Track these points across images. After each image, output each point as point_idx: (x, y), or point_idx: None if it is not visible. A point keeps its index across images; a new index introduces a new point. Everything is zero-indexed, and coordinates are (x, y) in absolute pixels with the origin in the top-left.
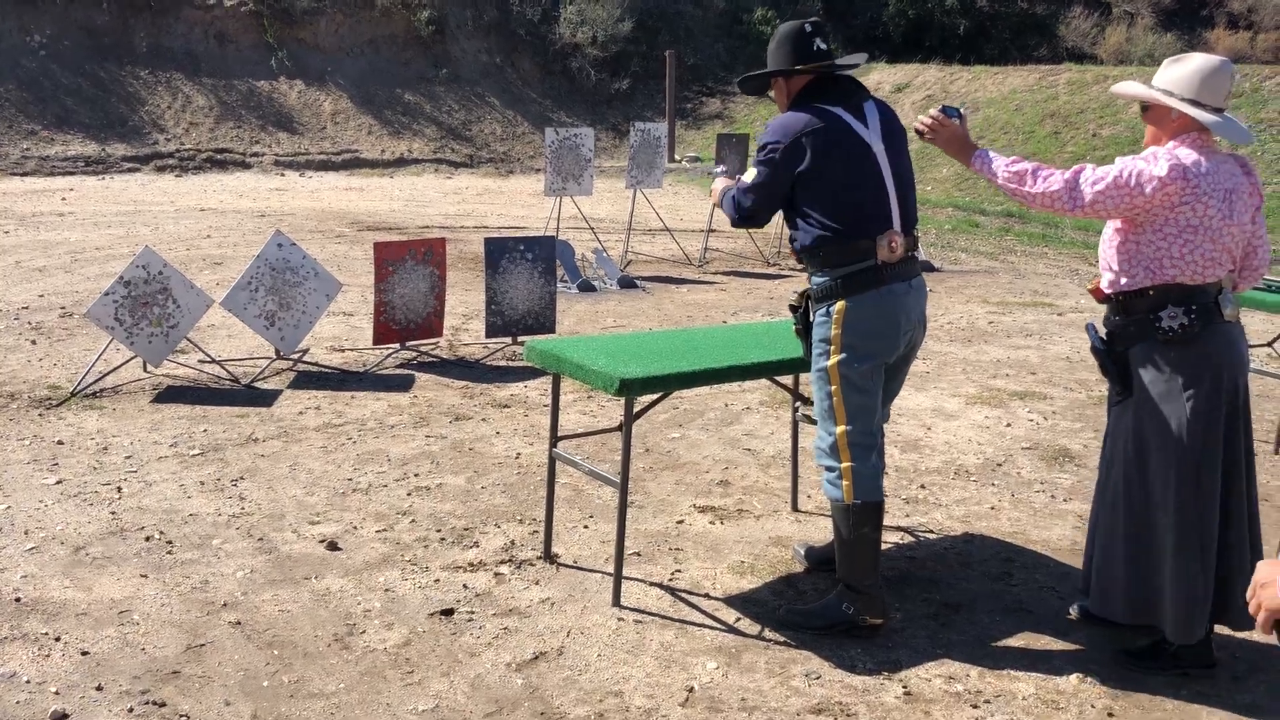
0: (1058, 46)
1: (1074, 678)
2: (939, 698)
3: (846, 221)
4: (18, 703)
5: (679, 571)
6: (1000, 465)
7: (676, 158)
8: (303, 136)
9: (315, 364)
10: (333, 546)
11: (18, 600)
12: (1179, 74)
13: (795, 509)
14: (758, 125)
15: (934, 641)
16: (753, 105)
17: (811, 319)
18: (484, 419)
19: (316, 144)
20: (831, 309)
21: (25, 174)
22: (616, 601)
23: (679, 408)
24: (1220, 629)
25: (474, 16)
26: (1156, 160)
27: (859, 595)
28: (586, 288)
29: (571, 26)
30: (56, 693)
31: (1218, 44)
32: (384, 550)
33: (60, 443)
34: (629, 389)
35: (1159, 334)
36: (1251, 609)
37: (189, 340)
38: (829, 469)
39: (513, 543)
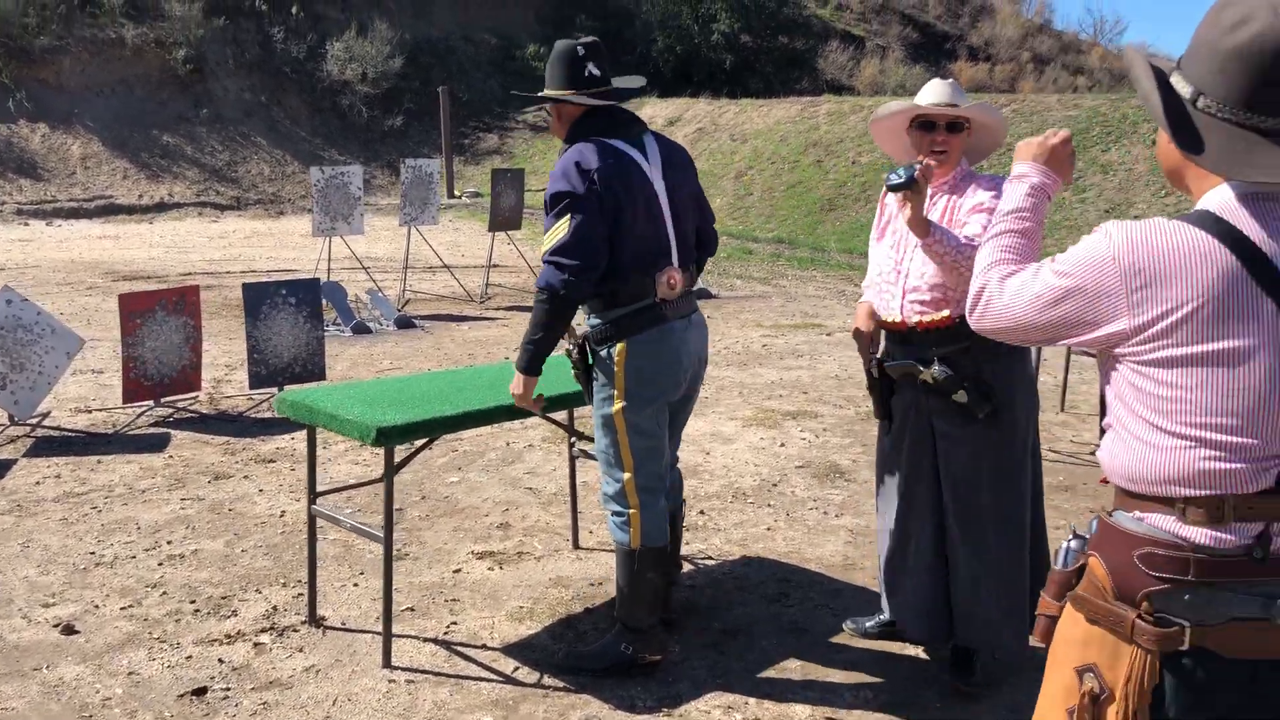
0: (818, 79)
1: (847, 696)
2: None
3: (626, 260)
4: None
5: (455, 624)
6: (775, 485)
7: (456, 193)
8: (48, 183)
9: (57, 428)
10: (69, 630)
11: None
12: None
13: (576, 546)
14: (536, 159)
15: (713, 671)
16: (530, 140)
17: (591, 361)
18: (246, 476)
19: (65, 190)
20: (612, 350)
21: None
22: (387, 662)
23: (458, 450)
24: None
25: (235, 54)
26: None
27: (637, 635)
28: (361, 330)
29: (340, 63)
30: None
31: (960, 74)
32: (129, 629)
33: None
34: (387, 437)
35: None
36: None
37: None
38: (616, 513)
39: (275, 608)
